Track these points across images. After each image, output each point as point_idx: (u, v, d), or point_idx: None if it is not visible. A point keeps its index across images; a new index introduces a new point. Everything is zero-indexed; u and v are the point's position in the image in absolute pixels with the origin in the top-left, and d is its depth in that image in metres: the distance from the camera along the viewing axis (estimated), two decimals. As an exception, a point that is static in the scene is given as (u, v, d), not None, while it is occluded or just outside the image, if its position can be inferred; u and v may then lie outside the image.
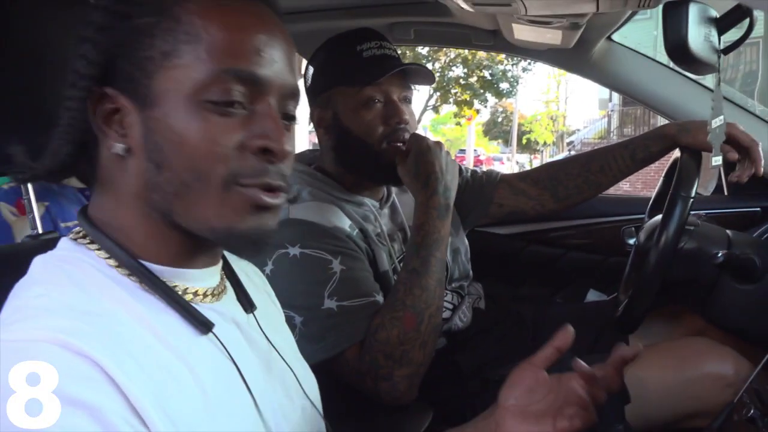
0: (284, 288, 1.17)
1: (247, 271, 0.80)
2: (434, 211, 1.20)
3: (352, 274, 1.19)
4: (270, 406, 0.67)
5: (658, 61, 1.71)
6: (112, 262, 0.59)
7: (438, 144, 1.26)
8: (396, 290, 1.16)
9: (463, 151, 25.86)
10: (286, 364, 0.74)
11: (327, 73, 1.32)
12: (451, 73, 19.05)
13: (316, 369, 1.14)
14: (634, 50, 1.74)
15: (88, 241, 0.61)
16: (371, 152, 1.28)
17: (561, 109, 28.36)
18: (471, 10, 1.13)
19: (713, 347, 1.25)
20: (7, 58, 0.73)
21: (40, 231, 0.94)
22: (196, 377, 0.58)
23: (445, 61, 18.35)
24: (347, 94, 1.28)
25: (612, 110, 18.97)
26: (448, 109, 21.36)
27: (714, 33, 0.98)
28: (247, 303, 0.72)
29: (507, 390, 0.69)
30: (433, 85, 18.88)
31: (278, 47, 0.61)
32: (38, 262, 0.59)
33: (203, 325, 0.61)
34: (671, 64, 1.76)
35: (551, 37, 1.42)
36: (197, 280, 0.64)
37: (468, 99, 19.50)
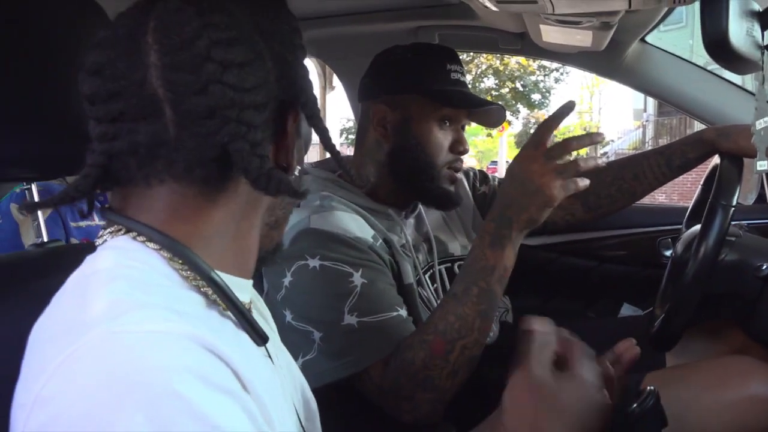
0: (303, 301, 1.13)
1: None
2: (487, 236, 1.06)
3: (373, 288, 1.14)
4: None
5: (695, 64, 1.64)
6: (176, 264, 0.55)
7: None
8: (433, 312, 1.10)
9: (495, 162, 25.72)
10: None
11: (411, 76, 1.27)
12: (482, 85, 19.01)
13: (336, 389, 1.11)
14: (670, 52, 1.66)
15: (145, 238, 0.55)
16: (432, 171, 1.26)
17: (594, 120, 28.09)
18: (495, 9, 1.09)
19: (758, 367, 1.16)
20: (13, 62, 0.70)
21: (45, 236, 0.92)
22: (263, 386, 0.56)
23: (476, 73, 18.31)
24: (426, 105, 1.25)
25: (647, 120, 18.67)
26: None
27: (757, 27, 0.91)
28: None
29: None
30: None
31: None
32: (107, 257, 0.54)
33: (260, 338, 0.59)
34: (708, 67, 1.69)
35: (581, 38, 1.37)
36: (242, 291, 0.62)
37: (499, 109, 19.43)
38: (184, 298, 0.53)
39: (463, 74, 1.31)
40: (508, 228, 1.04)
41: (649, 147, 17.24)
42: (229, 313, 0.57)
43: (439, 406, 1.08)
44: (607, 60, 1.62)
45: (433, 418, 1.10)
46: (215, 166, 0.54)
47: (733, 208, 1.16)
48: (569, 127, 29.66)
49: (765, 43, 0.92)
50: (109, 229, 0.58)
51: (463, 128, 1.32)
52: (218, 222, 0.58)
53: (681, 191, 11.53)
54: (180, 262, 0.54)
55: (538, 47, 1.54)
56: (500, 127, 21.63)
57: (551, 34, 1.38)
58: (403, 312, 1.15)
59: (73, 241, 1.61)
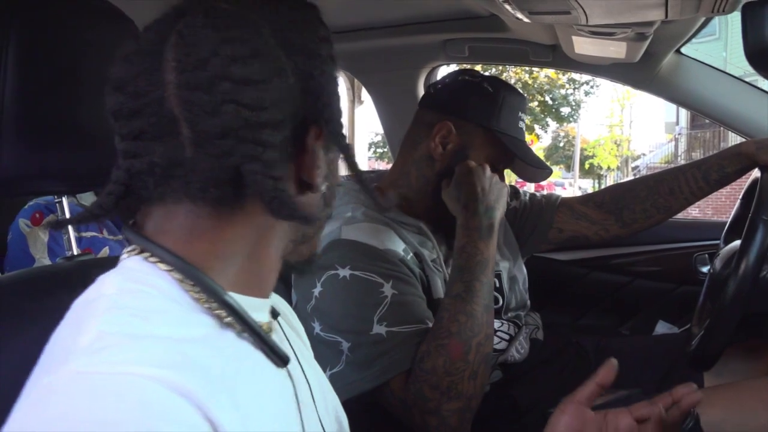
0: (332, 311, 1.13)
1: (279, 306, 0.74)
2: (475, 232, 1.15)
3: (403, 299, 1.13)
4: None
5: (732, 75, 1.60)
6: (187, 286, 0.53)
7: (482, 165, 1.22)
8: (440, 317, 1.10)
9: (523, 176, 25.61)
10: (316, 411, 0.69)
11: (487, 111, 1.28)
12: (511, 98, 18.97)
13: (362, 404, 1.10)
14: (706, 63, 1.63)
15: (157, 259, 0.54)
16: None
17: (625, 134, 27.77)
18: (527, 20, 1.07)
19: (803, 388, 1.12)
20: (35, 75, 0.71)
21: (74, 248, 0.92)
22: (273, 408, 0.55)
23: (504, 86, 18.29)
24: (489, 143, 1.27)
25: (679, 134, 18.38)
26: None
27: (801, 36, 0.88)
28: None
29: None
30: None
31: None
32: (110, 283, 0.54)
33: (281, 359, 0.58)
34: (746, 78, 1.64)
35: (615, 50, 1.34)
36: (260, 311, 0.60)
37: (528, 124, 19.34)
38: (192, 322, 0.52)
39: (525, 124, 1.34)
40: (493, 216, 1.17)
41: (681, 160, 16.99)
42: (246, 334, 0.55)
43: (467, 414, 1.07)
44: (641, 72, 1.59)
45: (463, 430, 1.08)
46: (230, 186, 0.53)
47: (776, 223, 1.13)
48: (599, 140, 29.37)
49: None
50: (128, 248, 0.57)
51: (503, 170, 1.34)
52: (233, 242, 0.56)
53: (715, 205, 11.31)
54: (191, 283, 0.53)
55: (570, 59, 1.52)
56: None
57: (584, 46, 1.36)
58: (429, 324, 1.14)
59: (77, 250, 1.65)
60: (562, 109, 19.32)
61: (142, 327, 0.48)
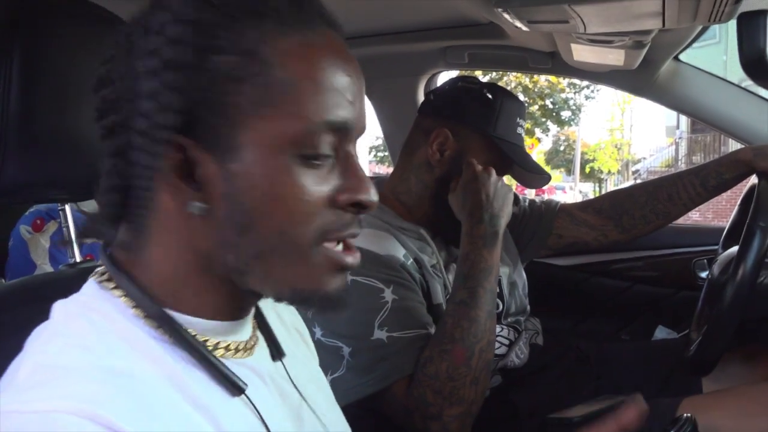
0: (333, 316, 1.14)
1: (276, 308, 0.74)
2: (479, 240, 1.15)
3: (404, 304, 1.14)
4: None
5: (730, 82, 1.61)
6: (139, 312, 0.53)
7: (487, 170, 1.22)
8: (444, 323, 1.11)
9: (523, 180, 25.61)
10: (317, 417, 0.67)
11: (485, 116, 1.29)
12: (511, 102, 18.98)
13: (363, 409, 1.10)
14: (704, 70, 1.64)
15: (113, 285, 0.54)
16: None
17: (626, 137, 27.78)
18: (526, 29, 1.08)
19: (799, 393, 1.13)
20: (38, 85, 0.72)
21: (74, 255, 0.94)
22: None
23: (505, 90, 18.31)
24: (487, 148, 1.28)
25: (680, 138, 18.40)
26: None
27: (795, 46, 0.89)
28: (275, 350, 0.65)
29: None
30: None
31: (358, 84, 0.56)
32: (60, 309, 0.53)
33: (235, 388, 0.55)
34: (743, 84, 1.65)
35: (613, 57, 1.35)
36: (230, 333, 0.59)
37: (529, 128, 19.35)
38: (137, 351, 0.51)
39: (524, 129, 1.35)
40: (498, 224, 1.17)
41: (682, 164, 16.99)
42: (199, 363, 0.54)
43: (468, 420, 1.08)
44: (640, 78, 1.60)
45: None
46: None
47: (773, 230, 1.14)
48: (600, 144, 29.37)
49: (804, 62, 0.91)
50: (98, 268, 0.57)
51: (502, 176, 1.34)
52: (147, 257, 0.55)
53: (716, 209, 11.31)
54: (141, 311, 0.53)
55: (569, 66, 1.53)
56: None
57: (582, 53, 1.37)
58: (432, 331, 1.15)
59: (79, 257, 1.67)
60: (562, 113, 19.35)
61: (79, 358, 0.47)
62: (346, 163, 0.55)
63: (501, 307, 1.40)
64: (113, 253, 0.57)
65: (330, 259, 0.56)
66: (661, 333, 1.78)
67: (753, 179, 1.30)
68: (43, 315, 0.71)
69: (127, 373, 0.48)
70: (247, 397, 0.56)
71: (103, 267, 0.57)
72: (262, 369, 0.61)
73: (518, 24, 1.03)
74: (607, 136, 28.40)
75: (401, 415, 1.10)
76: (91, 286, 0.56)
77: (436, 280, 1.26)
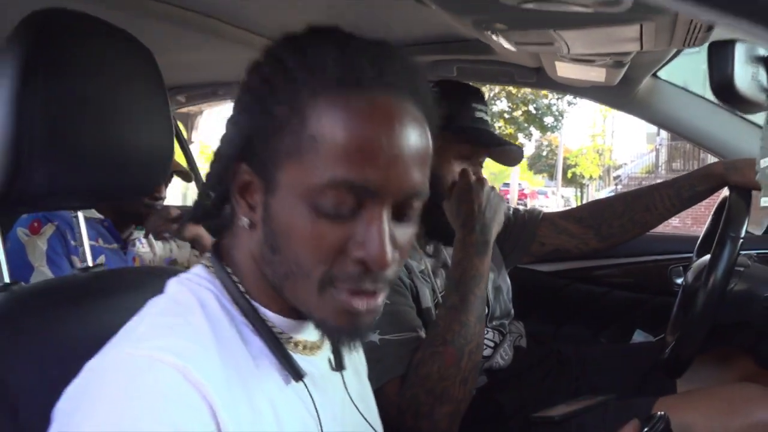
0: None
1: None
2: (471, 248, 1.21)
3: (395, 309, 1.19)
4: None
5: (705, 98, 1.69)
6: (228, 296, 0.64)
7: (480, 181, 1.27)
8: (436, 326, 1.17)
9: (507, 184, 25.69)
10: (369, 425, 0.76)
11: (441, 116, 1.33)
12: (495, 108, 19.07)
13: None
14: (680, 87, 1.71)
15: (214, 270, 0.66)
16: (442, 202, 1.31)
17: (608, 143, 28.02)
18: (513, 49, 1.14)
19: (764, 394, 1.20)
20: (61, 100, 0.76)
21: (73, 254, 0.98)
22: (279, 422, 0.62)
23: (489, 96, 18.41)
24: (447, 140, 1.30)
25: (660, 144, 18.61)
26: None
27: (762, 72, 0.96)
28: (338, 361, 0.73)
29: None
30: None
31: (401, 147, 0.59)
32: (174, 285, 0.65)
33: (296, 374, 0.64)
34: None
35: (595, 74, 1.42)
36: (296, 331, 0.67)
37: (512, 133, 19.47)
38: (224, 331, 0.61)
39: (486, 113, 1.38)
40: (489, 234, 1.22)
41: (662, 171, 17.16)
42: (268, 349, 0.64)
43: (456, 418, 1.13)
44: (620, 94, 1.67)
45: None
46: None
47: (741, 240, 1.21)
48: (582, 150, 29.59)
49: (770, 86, 0.97)
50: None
51: (481, 164, 1.39)
52: (235, 256, 0.67)
53: (695, 215, 11.48)
54: (230, 299, 0.64)
55: (553, 81, 1.59)
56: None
57: (566, 70, 1.44)
58: (423, 333, 1.20)
59: (74, 258, 1.69)
60: (545, 119, 19.50)
61: (180, 322, 0.59)
62: (367, 222, 0.59)
63: (486, 310, 1.45)
64: (221, 246, 0.68)
65: (336, 301, 0.60)
66: (638, 336, 1.85)
67: (725, 192, 1.38)
68: (63, 313, 0.77)
69: (219, 342, 0.59)
70: (305, 386, 0.65)
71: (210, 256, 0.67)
72: (321, 371, 0.70)
73: (507, 45, 1.09)
74: (589, 142, 28.64)
75: (393, 414, 1.14)
76: (199, 270, 0.65)
77: (424, 284, 1.31)
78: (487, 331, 1.44)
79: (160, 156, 0.91)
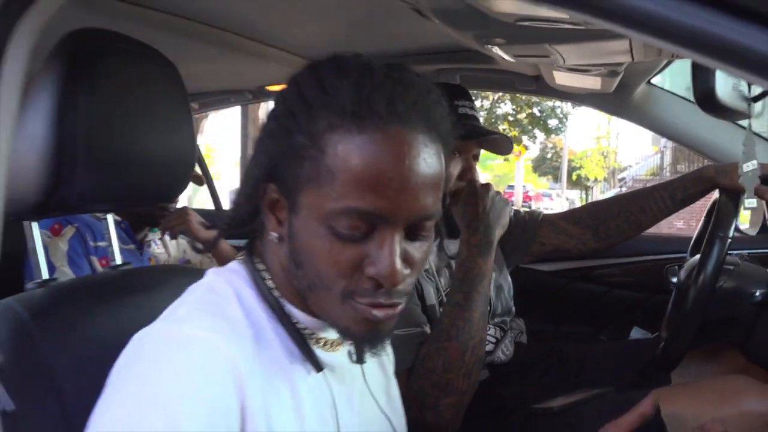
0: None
1: None
2: (475, 248, 1.27)
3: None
4: None
5: (698, 104, 1.75)
6: (259, 292, 0.72)
7: (485, 186, 1.34)
8: (441, 322, 1.23)
9: (511, 186, 25.69)
10: (385, 416, 0.84)
11: None
12: (499, 110, 19.10)
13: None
14: (674, 93, 1.78)
15: (249, 265, 0.73)
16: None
17: (612, 145, 28.02)
18: (512, 60, 1.21)
19: (752, 385, 1.26)
20: (99, 115, 0.83)
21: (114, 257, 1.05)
22: (298, 407, 0.69)
23: (493, 98, 18.43)
24: None
25: (665, 146, 18.63)
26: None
27: (743, 82, 1.02)
28: (358, 355, 0.79)
29: None
30: (481, 120, 18.98)
31: (411, 176, 0.63)
32: (212, 275, 0.73)
33: (316, 366, 0.71)
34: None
35: (591, 82, 1.49)
36: (320, 330, 0.74)
37: (516, 135, 19.48)
38: (254, 320, 0.69)
39: (471, 108, 1.44)
40: (492, 235, 1.28)
41: (667, 173, 17.15)
42: (292, 341, 0.71)
43: (460, 409, 1.20)
44: (616, 101, 1.74)
45: (455, 424, 1.20)
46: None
47: (729, 239, 1.27)
48: (586, 152, 29.58)
49: (751, 96, 1.04)
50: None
51: (475, 158, 1.45)
52: (267, 261, 0.74)
53: (699, 217, 11.48)
54: (262, 296, 0.71)
55: (552, 88, 1.66)
56: (517, 152, 21.56)
57: (563, 78, 1.50)
58: (427, 329, 1.27)
59: (93, 258, 1.76)
60: (549, 122, 19.49)
61: (217, 307, 0.68)
62: (379, 243, 0.64)
63: (489, 308, 1.52)
64: (254, 247, 0.75)
65: (357, 311, 0.66)
66: (636, 334, 1.89)
67: (716, 194, 1.44)
68: (100, 308, 0.84)
69: (249, 326, 0.68)
70: (324, 378, 0.73)
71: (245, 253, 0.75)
72: (342, 365, 0.77)
73: (506, 57, 1.16)
74: (594, 144, 28.65)
75: None
76: (236, 264, 0.74)
77: (429, 283, 1.38)
78: (490, 328, 1.50)
79: (183, 163, 0.98)
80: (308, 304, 0.71)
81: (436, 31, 1.32)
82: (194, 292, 0.71)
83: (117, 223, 1.83)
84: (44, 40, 0.76)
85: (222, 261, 1.86)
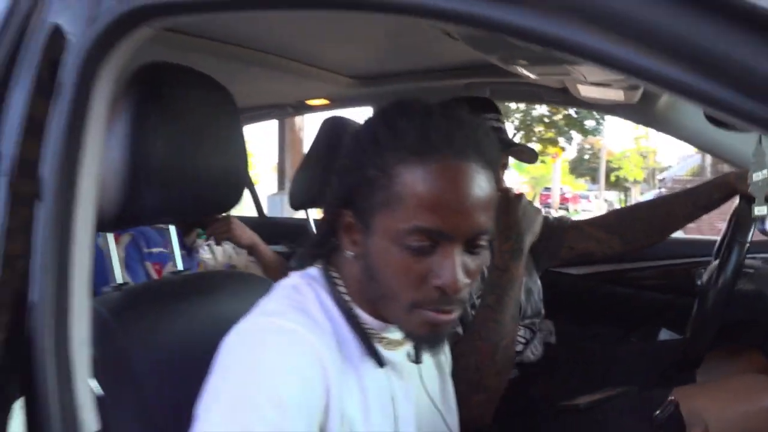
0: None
1: None
2: (507, 254, 1.33)
3: None
4: None
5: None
6: (334, 297, 0.82)
7: (517, 196, 1.41)
8: (473, 323, 1.31)
9: (548, 189, 25.43)
10: (439, 412, 0.95)
11: None
12: (535, 112, 18.98)
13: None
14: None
15: (325, 272, 0.84)
16: None
17: (652, 145, 27.53)
18: (536, 77, 1.30)
19: (769, 384, 1.32)
20: (168, 137, 0.94)
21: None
22: (364, 396, 0.81)
23: (529, 100, 18.27)
24: None
25: (705, 146, 18.16)
26: (533, 147, 21.04)
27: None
28: (415, 355, 0.91)
29: None
30: (516, 123, 18.91)
31: (467, 200, 0.74)
32: (296, 277, 0.85)
33: (379, 362, 0.82)
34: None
35: (614, 94, 1.56)
36: (385, 331, 0.85)
37: (552, 137, 19.35)
38: (330, 317, 0.80)
39: (498, 120, 1.53)
40: (523, 242, 1.34)
41: (708, 173, 16.81)
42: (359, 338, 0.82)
43: (490, 406, 1.28)
44: (642, 110, 1.78)
45: (486, 420, 1.29)
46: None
47: (747, 244, 1.33)
48: (625, 152, 29.11)
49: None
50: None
51: (504, 167, 1.53)
52: (341, 270, 0.85)
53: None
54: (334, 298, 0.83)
55: (578, 100, 1.73)
56: (553, 154, 21.28)
57: (588, 91, 1.58)
58: (460, 330, 1.35)
59: (147, 264, 1.88)
60: (586, 122, 19.29)
61: (299, 304, 0.79)
62: (442, 257, 0.75)
63: (518, 310, 1.60)
64: (331, 258, 0.86)
65: (423, 318, 0.77)
66: (665, 335, 1.94)
67: (737, 200, 1.50)
68: (168, 308, 0.96)
69: (326, 323, 0.79)
70: (386, 374, 0.84)
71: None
72: (402, 362, 0.88)
73: (529, 74, 1.25)
74: (633, 145, 28.18)
75: None
76: (315, 271, 0.86)
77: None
78: (519, 329, 1.57)
79: (237, 177, 1.08)
80: (379, 310, 0.82)
81: (465, 49, 1.42)
82: (281, 291, 0.82)
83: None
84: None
85: (265, 265, 1.99)
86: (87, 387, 0.73)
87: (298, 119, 8.53)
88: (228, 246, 2.20)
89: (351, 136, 0.82)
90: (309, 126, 9.86)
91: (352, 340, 0.81)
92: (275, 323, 0.74)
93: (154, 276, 1.84)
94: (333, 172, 0.82)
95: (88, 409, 0.72)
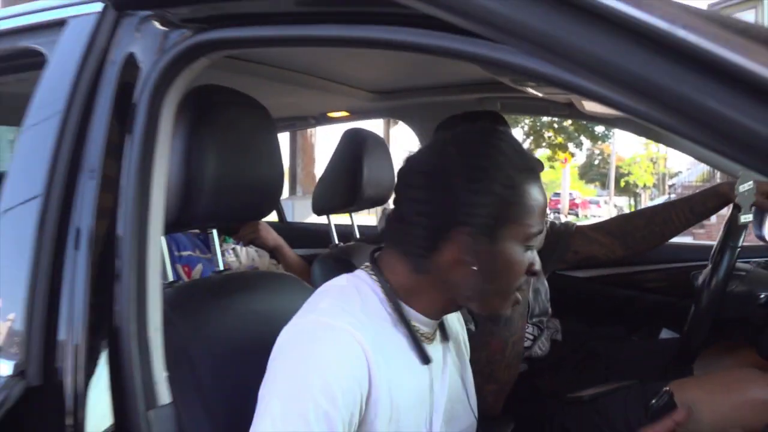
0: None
1: (454, 323, 1.13)
2: None
3: None
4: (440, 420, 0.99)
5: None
6: (382, 295, 0.92)
7: None
8: (485, 321, 1.42)
9: (557, 194, 25.44)
10: (467, 395, 1.08)
11: None
12: (545, 117, 19.02)
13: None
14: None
15: (374, 275, 0.94)
16: None
17: (662, 151, 27.48)
18: (542, 96, 1.42)
19: (759, 376, 1.41)
20: (217, 151, 1.04)
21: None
22: (409, 382, 0.90)
23: (538, 106, 18.33)
24: None
25: (716, 152, 18.09)
26: (542, 152, 21.21)
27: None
28: (444, 337, 1.03)
29: None
30: (525, 129, 18.97)
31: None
32: (344, 278, 0.95)
33: (425, 359, 0.92)
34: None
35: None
36: (426, 326, 0.96)
37: (562, 142, 19.40)
38: (378, 316, 0.90)
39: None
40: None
41: (718, 179, 16.78)
42: (406, 335, 0.92)
43: (501, 396, 1.39)
44: (646, 125, 1.90)
45: (497, 408, 1.40)
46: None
47: (738, 248, 1.45)
48: (635, 158, 29.05)
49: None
50: (366, 263, 0.98)
51: None
52: (404, 274, 0.93)
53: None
54: (387, 297, 0.92)
55: (583, 113, 1.85)
56: (563, 159, 21.26)
57: (592, 105, 1.69)
58: (472, 326, 1.47)
59: (177, 266, 1.95)
60: (596, 128, 19.35)
61: (347, 304, 0.88)
62: (534, 250, 0.93)
63: (527, 309, 1.71)
64: (377, 259, 0.96)
65: (515, 298, 0.94)
66: (665, 334, 2.03)
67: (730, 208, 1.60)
68: (214, 303, 1.08)
69: (372, 321, 0.88)
70: (429, 368, 0.96)
71: (369, 264, 0.96)
72: (437, 352, 1.00)
73: (536, 93, 1.38)
74: (643, 150, 28.11)
75: None
76: (361, 272, 0.96)
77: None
78: (528, 326, 1.69)
79: (274, 185, 1.18)
80: (467, 306, 0.96)
81: (478, 68, 1.54)
82: (330, 291, 0.93)
83: (196, 235, 2.03)
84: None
85: (288, 267, 2.10)
86: (161, 365, 0.85)
87: (309, 125, 8.64)
88: (251, 249, 2.32)
89: (430, 168, 0.92)
90: (320, 132, 9.99)
91: (396, 335, 0.91)
92: (326, 321, 0.84)
93: (184, 278, 1.92)
94: (422, 203, 0.91)
95: (162, 384, 0.85)
